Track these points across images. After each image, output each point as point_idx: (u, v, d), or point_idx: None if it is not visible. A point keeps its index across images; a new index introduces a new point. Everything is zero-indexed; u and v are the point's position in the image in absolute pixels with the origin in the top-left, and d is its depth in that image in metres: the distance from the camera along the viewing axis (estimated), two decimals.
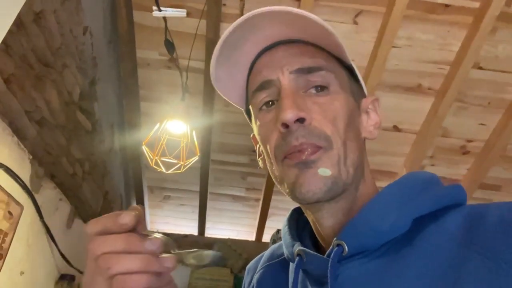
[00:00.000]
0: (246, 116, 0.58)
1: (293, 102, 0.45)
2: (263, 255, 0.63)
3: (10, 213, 1.47)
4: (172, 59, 2.53)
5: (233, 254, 3.06)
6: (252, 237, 3.52)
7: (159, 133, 1.48)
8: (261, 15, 0.46)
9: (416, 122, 2.72)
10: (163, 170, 1.56)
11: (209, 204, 3.31)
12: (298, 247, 0.47)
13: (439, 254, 0.39)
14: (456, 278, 0.36)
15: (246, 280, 0.62)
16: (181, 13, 1.59)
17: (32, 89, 1.54)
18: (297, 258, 0.47)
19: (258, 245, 3.42)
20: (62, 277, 2.09)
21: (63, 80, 1.80)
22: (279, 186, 0.50)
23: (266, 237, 3.46)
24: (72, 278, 2.13)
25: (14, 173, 1.46)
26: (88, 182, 2.32)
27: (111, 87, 2.49)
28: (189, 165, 1.51)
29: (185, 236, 3.43)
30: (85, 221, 2.42)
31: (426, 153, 2.86)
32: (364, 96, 0.55)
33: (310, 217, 0.51)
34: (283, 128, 0.45)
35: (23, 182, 1.54)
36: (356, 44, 2.39)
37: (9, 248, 1.50)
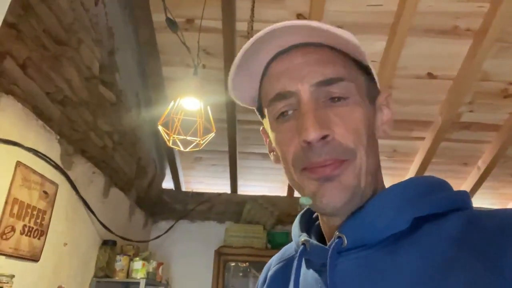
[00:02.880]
0: (257, 113, 0.58)
1: (315, 120, 0.45)
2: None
3: (45, 192, 1.54)
4: (189, 21, 2.45)
5: (265, 212, 3.11)
6: (284, 192, 3.56)
7: (173, 111, 1.46)
8: (280, 30, 0.46)
9: (452, 67, 2.52)
10: (181, 148, 1.56)
11: (239, 163, 3.34)
12: (303, 237, 0.51)
13: (434, 253, 0.40)
14: (446, 277, 0.38)
15: (262, 276, 0.65)
16: None
17: (50, 70, 1.54)
18: (301, 247, 0.50)
19: (290, 200, 3.46)
20: (105, 243, 2.23)
21: (81, 56, 1.79)
22: (295, 188, 0.51)
23: (298, 192, 3.48)
24: (114, 243, 2.27)
25: (44, 155, 1.51)
26: (120, 152, 2.38)
27: (131, 55, 2.46)
28: (206, 142, 1.50)
29: (219, 194, 3.51)
30: (121, 188, 2.52)
31: (464, 99, 2.68)
32: (378, 93, 0.53)
33: (322, 217, 0.53)
34: (304, 143, 0.45)
35: (54, 162, 1.59)
36: None
37: (49, 224, 1.59)
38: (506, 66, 2.49)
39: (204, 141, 1.46)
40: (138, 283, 2.28)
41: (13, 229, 1.37)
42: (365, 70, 0.51)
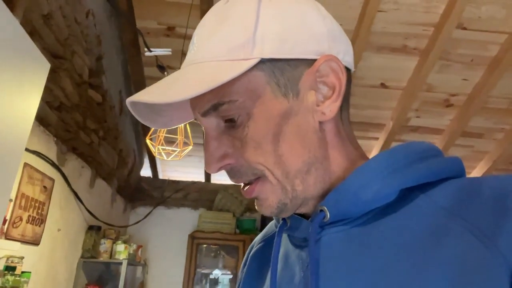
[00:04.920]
0: None
1: (213, 153, 0.44)
2: None
3: (45, 187, 1.80)
4: (170, 28, 2.70)
5: (235, 201, 3.45)
6: None
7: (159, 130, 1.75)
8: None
9: (402, 79, 2.89)
10: (165, 158, 1.85)
11: None
12: None
13: (423, 225, 0.37)
14: (435, 249, 0.35)
15: (244, 258, 0.63)
16: (167, 51, 1.93)
17: (50, 82, 1.78)
18: (281, 222, 0.48)
19: None
20: (90, 228, 2.50)
21: (73, 65, 2.02)
22: None
23: None
24: (98, 228, 2.54)
25: (44, 155, 1.76)
26: (104, 146, 2.63)
27: (116, 57, 2.68)
28: (184, 153, 1.80)
29: (193, 182, 3.81)
30: (104, 179, 2.78)
31: (412, 106, 3.07)
32: (308, 65, 0.44)
33: None
34: None
35: (51, 160, 1.84)
36: (344, 10, 2.50)
37: (47, 214, 1.86)
38: (448, 80, 2.88)
39: (183, 153, 1.76)
40: (120, 263, 2.58)
41: (21, 219, 1.63)
42: (272, 61, 0.43)
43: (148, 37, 2.72)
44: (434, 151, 0.44)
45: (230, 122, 0.43)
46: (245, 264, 0.60)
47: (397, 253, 0.37)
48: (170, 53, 1.94)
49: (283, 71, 0.43)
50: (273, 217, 0.54)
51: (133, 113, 0.45)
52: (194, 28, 0.49)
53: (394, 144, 3.39)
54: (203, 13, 2.49)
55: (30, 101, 1.06)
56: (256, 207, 0.46)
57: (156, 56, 2.11)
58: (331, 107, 0.44)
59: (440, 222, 0.37)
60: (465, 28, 2.57)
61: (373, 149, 3.52)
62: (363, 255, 0.39)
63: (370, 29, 2.55)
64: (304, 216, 0.46)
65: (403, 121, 3.17)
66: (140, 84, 2.96)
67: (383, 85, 2.96)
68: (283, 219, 0.48)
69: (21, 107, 1.01)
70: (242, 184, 0.46)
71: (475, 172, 3.72)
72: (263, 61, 0.42)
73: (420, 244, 0.36)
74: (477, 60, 2.75)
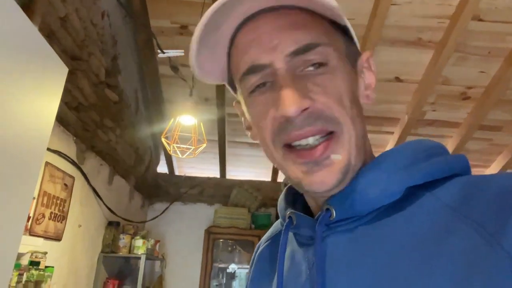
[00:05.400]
0: (228, 87, 0.53)
1: (294, 93, 0.40)
2: None
3: (65, 185, 1.86)
4: (183, 27, 2.73)
5: (250, 196, 3.49)
6: (269, 177, 3.93)
7: (173, 128, 1.80)
8: None
9: (417, 73, 2.86)
10: (180, 156, 1.89)
11: (228, 151, 3.68)
12: (289, 210, 0.48)
13: (428, 223, 0.37)
14: (439, 246, 0.35)
15: (252, 257, 0.63)
16: (180, 53, 1.99)
17: (68, 83, 1.84)
18: (287, 220, 0.47)
19: (273, 185, 3.84)
20: (110, 224, 2.57)
21: (90, 66, 2.07)
22: (277, 167, 0.47)
23: (281, 177, 3.86)
24: (117, 223, 2.61)
25: (64, 154, 1.82)
26: (121, 144, 2.69)
27: (131, 57, 2.74)
28: (199, 151, 1.84)
29: (209, 178, 3.86)
30: (122, 176, 2.84)
31: (427, 99, 3.03)
32: (359, 54, 0.48)
33: (307, 195, 0.50)
34: (283, 118, 0.41)
35: (71, 159, 1.91)
36: (356, 4, 2.49)
37: (68, 210, 1.93)
38: (464, 73, 2.83)
39: (197, 150, 1.80)
40: (139, 258, 2.65)
41: (43, 216, 1.70)
42: (343, 31, 0.46)
43: (162, 36, 2.76)
44: (439, 149, 0.44)
45: (317, 67, 0.42)
46: (252, 263, 0.61)
47: (402, 252, 0.37)
48: (182, 54, 1.98)
49: (349, 46, 0.47)
50: (279, 215, 0.53)
51: (194, 40, 0.43)
52: None
53: (409, 138, 3.35)
54: None
55: (50, 103, 1.11)
56: (309, 181, 0.42)
57: (169, 57, 2.16)
58: (372, 95, 0.47)
59: (445, 220, 0.36)
60: (481, 20, 2.52)
61: (388, 144, 3.50)
62: (368, 253, 0.39)
63: (384, 23, 2.53)
64: (311, 215, 0.47)
65: (418, 115, 3.14)
66: (155, 83, 3.02)
67: (397, 79, 2.93)
68: (289, 217, 0.47)
69: (42, 109, 1.06)
70: (297, 150, 0.43)
71: (494, 165, 3.65)
72: (341, 30, 0.45)
73: (425, 242, 0.36)
74: (495, 52, 2.70)
